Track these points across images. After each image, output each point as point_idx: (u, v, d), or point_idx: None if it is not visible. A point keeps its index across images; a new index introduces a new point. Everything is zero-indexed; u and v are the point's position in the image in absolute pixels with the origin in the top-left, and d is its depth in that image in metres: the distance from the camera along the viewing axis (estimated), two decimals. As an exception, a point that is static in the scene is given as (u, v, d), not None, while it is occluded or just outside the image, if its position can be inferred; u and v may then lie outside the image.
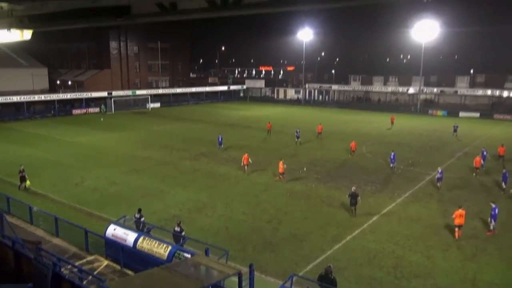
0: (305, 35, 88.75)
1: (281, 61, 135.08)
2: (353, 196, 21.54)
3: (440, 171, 26.33)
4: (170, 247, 14.75)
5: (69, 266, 13.16)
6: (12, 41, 19.97)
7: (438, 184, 26.20)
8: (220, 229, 20.13)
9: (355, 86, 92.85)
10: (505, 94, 73.67)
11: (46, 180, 27.75)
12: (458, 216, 18.95)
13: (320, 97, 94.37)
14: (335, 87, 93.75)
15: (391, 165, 31.27)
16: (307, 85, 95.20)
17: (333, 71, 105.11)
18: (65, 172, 30.13)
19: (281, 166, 27.61)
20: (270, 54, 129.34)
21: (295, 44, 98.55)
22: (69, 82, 79.36)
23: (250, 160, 30.14)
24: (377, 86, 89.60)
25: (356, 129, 51.49)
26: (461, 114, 69.03)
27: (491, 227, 19.62)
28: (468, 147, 40.59)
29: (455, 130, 46.48)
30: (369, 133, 48.59)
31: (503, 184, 26.12)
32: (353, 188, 21.96)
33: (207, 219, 21.38)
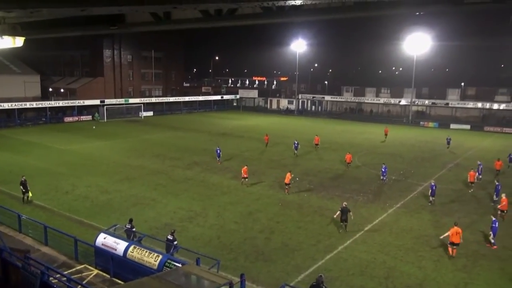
0: (299, 46, 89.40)
1: (275, 72, 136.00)
2: (344, 212, 20.97)
3: (432, 184, 25.88)
4: (160, 256, 14.60)
5: (58, 275, 12.93)
6: (4, 47, 19.89)
7: (432, 199, 25.72)
8: (212, 239, 20.00)
9: (347, 97, 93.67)
10: (495, 106, 74.56)
11: (37, 188, 27.35)
12: (454, 233, 18.36)
13: (313, 107, 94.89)
14: (328, 98, 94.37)
15: (382, 178, 30.77)
16: (300, 96, 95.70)
17: (326, 82, 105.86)
18: (56, 180, 29.82)
19: (288, 177, 27.38)
20: (263, 65, 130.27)
21: (288, 55, 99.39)
22: (62, 90, 78.90)
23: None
24: (370, 98, 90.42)
25: (348, 140, 51.71)
26: (452, 126, 69.66)
27: (492, 241, 19.50)
28: (460, 158, 40.94)
29: (448, 143, 46.34)
30: (361, 144, 48.80)
31: (494, 195, 26.16)
32: (344, 204, 21.48)
33: (199, 228, 21.25)
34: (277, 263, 17.63)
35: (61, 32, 23.39)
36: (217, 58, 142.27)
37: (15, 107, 63.08)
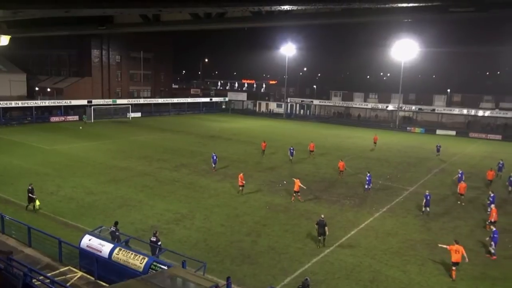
0: (288, 50, 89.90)
1: (264, 75, 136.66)
2: (321, 225, 19.71)
3: (427, 194, 24.97)
4: (146, 259, 14.50)
5: (41, 277, 12.69)
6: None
7: (425, 209, 24.79)
8: (198, 241, 19.93)
9: (336, 101, 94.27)
10: (480, 113, 75.49)
11: (20, 189, 26.70)
12: (454, 251, 17.12)
13: (302, 111, 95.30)
14: (316, 102, 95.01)
15: (366, 186, 29.50)
16: (289, 99, 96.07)
17: (314, 86, 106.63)
18: (41, 181, 29.18)
19: (297, 184, 26.56)
20: (253, 68, 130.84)
21: (278, 59, 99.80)
22: (48, 89, 77.72)
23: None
24: (358, 102, 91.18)
25: (336, 144, 52.04)
26: (438, 131, 70.53)
27: (492, 251, 19.21)
28: (444, 164, 41.38)
29: (438, 150, 45.61)
30: (348, 148, 49.13)
31: (488, 207, 24.67)
32: (322, 216, 20.16)
33: (186, 231, 21.14)
34: (263, 266, 17.62)
35: (48, 31, 23.03)
36: (206, 60, 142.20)
37: (0, 105, 61.18)
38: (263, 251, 19.10)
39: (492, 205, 23.56)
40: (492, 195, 25.40)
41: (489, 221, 22.60)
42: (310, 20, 16.28)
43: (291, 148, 40.20)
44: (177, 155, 40.73)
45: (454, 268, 17.10)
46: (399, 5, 12.47)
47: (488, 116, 74.38)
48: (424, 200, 24.87)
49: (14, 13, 15.27)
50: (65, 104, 70.28)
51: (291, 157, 39.76)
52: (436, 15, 13.56)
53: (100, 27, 19.08)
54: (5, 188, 25.84)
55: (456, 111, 78.04)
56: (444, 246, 18.02)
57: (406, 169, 38.34)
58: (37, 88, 78.20)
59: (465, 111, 76.60)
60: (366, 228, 22.50)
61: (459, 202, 27.47)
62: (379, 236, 21.28)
